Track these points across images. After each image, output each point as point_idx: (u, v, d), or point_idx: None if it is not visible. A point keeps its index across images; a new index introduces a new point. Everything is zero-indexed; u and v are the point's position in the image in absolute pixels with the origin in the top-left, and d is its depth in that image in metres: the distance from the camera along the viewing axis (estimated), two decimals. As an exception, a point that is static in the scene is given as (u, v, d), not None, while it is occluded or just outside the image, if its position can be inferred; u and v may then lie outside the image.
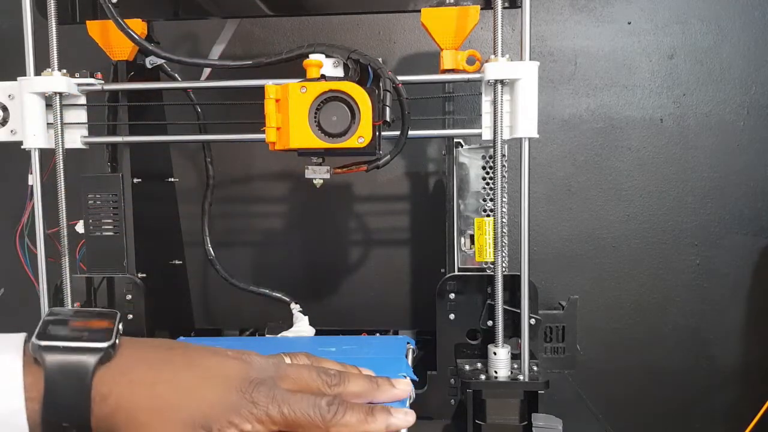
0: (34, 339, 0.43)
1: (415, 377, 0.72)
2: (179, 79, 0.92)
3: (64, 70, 0.78)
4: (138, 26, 0.84)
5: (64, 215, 0.79)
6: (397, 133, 0.73)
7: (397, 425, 0.49)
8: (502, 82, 0.73)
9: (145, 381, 0.44)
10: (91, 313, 0.51)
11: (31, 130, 0.77)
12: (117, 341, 0.45)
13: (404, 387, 0.53)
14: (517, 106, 0.73)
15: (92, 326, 0.45)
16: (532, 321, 0.78)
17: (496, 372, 0.75)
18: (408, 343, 0.83)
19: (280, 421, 0.45)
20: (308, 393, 0.47)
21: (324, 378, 0.49)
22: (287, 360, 0.51)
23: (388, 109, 0.68)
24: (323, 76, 0.70)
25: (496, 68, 0.72)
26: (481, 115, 0.75)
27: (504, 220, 0.79)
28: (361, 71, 0.71)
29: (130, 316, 0.87)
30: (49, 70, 0.77)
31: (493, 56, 0.73)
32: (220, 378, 0.46)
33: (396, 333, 1.02)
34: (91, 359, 0.42)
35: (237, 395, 0.45)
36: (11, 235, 1.00)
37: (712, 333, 1.10)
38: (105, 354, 0.43)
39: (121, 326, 0.46)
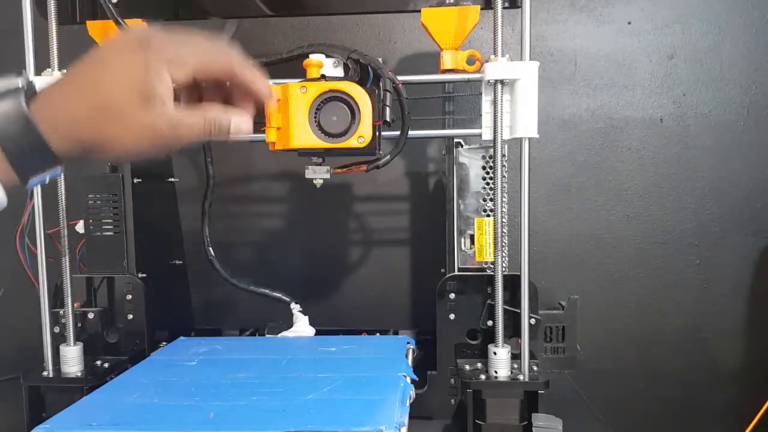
0: None
1: (415, 377, 0.72)
2: (179, 79, 0.92)
3: (64, 70, 0.78)
4: (138, 26, 0.84)
5: (64, 215, 0.79)
6: (397, 133, 0.73)
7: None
8: (502, 82, 0.73)
9: (77, 90, 0.45)
10: None
11: (31, 130, 0.77)
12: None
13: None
14: (517, 106, 0.73)
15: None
16: (532, 321, 0.78)
17: (496, 372, 0.75)
18: (408, 343, 0.83)
19: (194, 63, 0.48)
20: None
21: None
22: None
23: (388, 109, 0.68)
24: (323, 76, 0.70)
25: (496, 68, 0.72)
26: (481, 115, 0.75)
27: (504, 220, 0.79)
28: (361, 71, 0.71)
29: (130, 316, 0.87)
30: (49, 70, 0.77)
31: (493, 56, 0.73)
32: (126, 54, 0.46)
33: (396, 333, 1.02)
34: (18, 88, 0.43)
35: (148, 55, 0.46)
36: (11, 235, 1.00)
37: (712, 333, 1.10)
38: (29, 85, 0.44)
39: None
